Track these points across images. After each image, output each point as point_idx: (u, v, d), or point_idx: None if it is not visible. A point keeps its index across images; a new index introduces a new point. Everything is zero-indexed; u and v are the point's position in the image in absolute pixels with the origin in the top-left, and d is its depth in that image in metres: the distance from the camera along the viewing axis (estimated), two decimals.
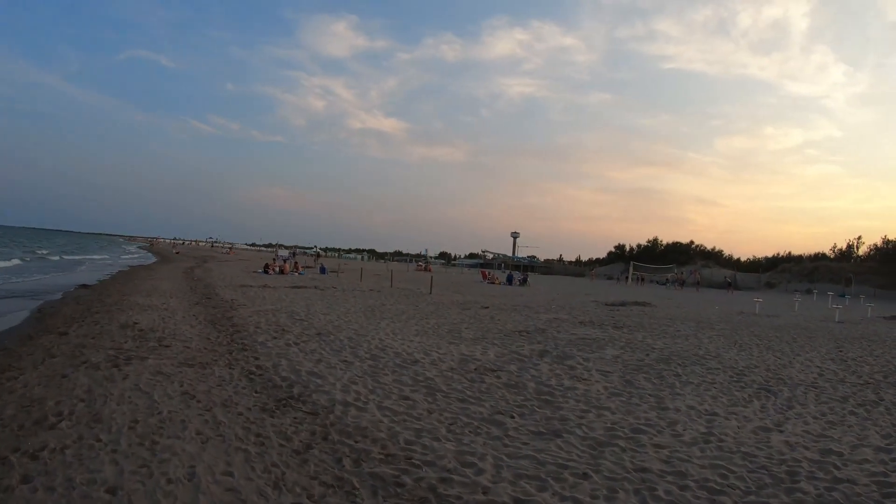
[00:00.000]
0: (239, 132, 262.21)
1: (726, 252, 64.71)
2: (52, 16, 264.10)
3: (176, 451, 3.71)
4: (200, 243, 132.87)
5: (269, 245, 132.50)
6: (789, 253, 58.86)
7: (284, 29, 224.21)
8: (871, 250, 50.62)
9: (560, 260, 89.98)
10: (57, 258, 36.56)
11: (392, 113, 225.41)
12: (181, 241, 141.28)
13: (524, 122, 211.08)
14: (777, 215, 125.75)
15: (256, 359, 6.89)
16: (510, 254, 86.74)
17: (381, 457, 3.85)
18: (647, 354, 8.78)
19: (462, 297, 19.14)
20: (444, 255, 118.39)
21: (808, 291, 40.58)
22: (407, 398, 5.45)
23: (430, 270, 48.51)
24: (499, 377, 6.62)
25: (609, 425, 4.94)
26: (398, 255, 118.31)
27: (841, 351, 10.45)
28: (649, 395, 6.22)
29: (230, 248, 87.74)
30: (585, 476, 3.76)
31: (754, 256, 63.09)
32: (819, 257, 53.81)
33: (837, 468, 4.20)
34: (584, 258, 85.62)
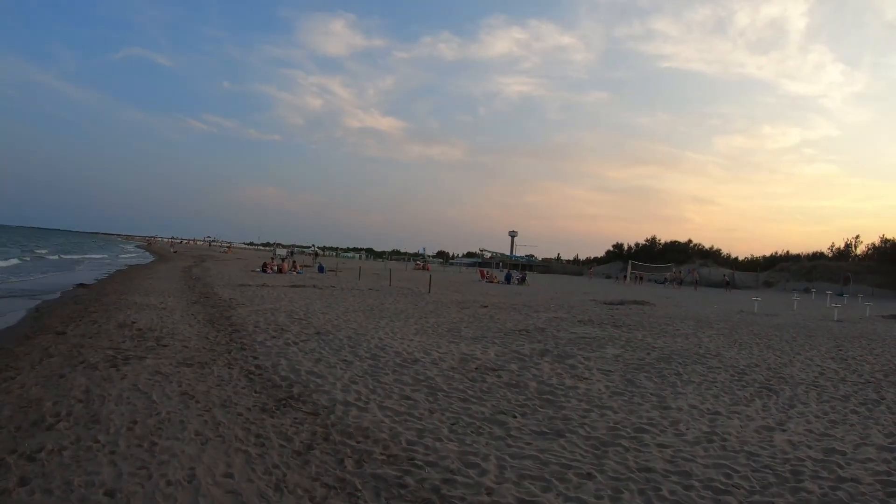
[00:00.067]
0: (236, 131, 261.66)
1: (724, 251, 64.86)
2: (48, 14, 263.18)
3: (175, 452, 3.66)
4: (198, 242, 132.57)
5: (267, 244, 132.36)
6: (787, 252, 58.99)
7: (281, 27, 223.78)
8: (868, 249, 50.78)
9: (558, 259, 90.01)
10: (56, 257, 36.36)
11: (389, 112, 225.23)
12: (179, 240, 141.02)
13: (522, 120, 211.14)
14: (774, 214, 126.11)
15: (255, 358, 6.85)
16: (508, 252, 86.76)
17: (384, 457, 3.81)
18: (648, 353, 8.76)
19: (461, 296, 19.11)
20: (441, 254, 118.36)
21: (807, 290, 40.66)
22: (408, 398, 5.41)
23: (428, 269, 48.46)
24: (500, 376, 6.58)
25: (612, 425, 4.91)
26: (396, 254, 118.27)
27: (841, 350, 10.45)
28: (651, 394, 6.19)
29: (228, 247, 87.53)
30: (589, 476, 3.73)
31: (752, 255, 63.24)
32: (817, 256, 53.89)
33: (841, 467, 4.19)
34: (582, 257, 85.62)
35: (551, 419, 5.00)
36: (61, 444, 3.71)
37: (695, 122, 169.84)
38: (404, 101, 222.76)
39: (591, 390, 6.18)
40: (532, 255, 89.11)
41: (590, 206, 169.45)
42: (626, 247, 69.62)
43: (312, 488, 3.30)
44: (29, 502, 2.96)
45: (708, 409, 5.66)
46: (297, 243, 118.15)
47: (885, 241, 48.59)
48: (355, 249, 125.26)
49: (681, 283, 47.38)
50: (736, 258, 63.10)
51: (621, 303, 19.98)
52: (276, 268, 27.82)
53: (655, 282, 50.66)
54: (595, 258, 76.62)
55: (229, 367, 6.33)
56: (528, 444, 4.29)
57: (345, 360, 6.98)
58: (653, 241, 67.50)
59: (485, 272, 40.44)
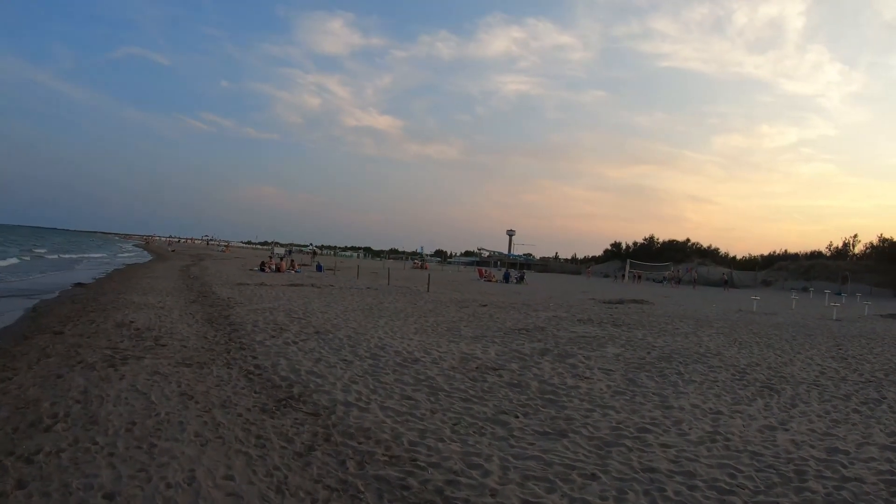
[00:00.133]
0: (233, 130, 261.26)
1: (722, 250, 64.95)
2: (45, 13, 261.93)
3: (175, 454, 3.61)
4: (196, 241, 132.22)
5: (265, 243, 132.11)
6: (785, 251, 59.08)
7: (279, 26, 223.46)
8: (866, 249, 50.90)
9: (556, 258, 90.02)
10: (55, 257, 36.20)
11: (387, 111, 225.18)
12: (177, 239, 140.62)
13: (519, 119, 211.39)
14: (772, 213, 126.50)
15: (255, 358, 6.80)
16: (506, 251, 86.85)
17: (386, 459, 3.77)
18: (648, 353, 8.74)
19: (460, 295, 19.08)
20: (439, 253, 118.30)
21: (805, 289, 40.71)
22: (409, 398, 5.37)
23: (426, 268, 48.42)
24: (501, 376, 6.55)
25: (614, 425, 4.88)
26: (394, 253, 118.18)
27: (841, 349, 10.45)
28: (653, 393, 6.17)
29: (226, 246, 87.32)
30: (594, 477, 3.70)
31: (750, 254, 63.36)
32: (815, 255, 54.00)
33: (845, 467, 4.17)
34: (580, 256, 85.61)
35: (554, 419, 4.96)
36: (59, 445, 3.66)
37: (693, 122, 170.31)
38: (402, 100, 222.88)
39: (593, 390, 6.15)
40: (530, 254, 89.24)
41: (588, 205, 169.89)
42: (624, 246, 69.69)
43: (314, 490, 3.26)
44: None
45: (710, 409, 5.64)
46: (295, 242, 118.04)
47: (883, 240, 48.78)
48: (353, 248, 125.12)
49: (679, 281, 47.45)
50: (734, 257, 63.26)
51: (620, 301, 19.97)
52: (274, 267, 27.73)
53: (654, 281, 50.70)
54: (593, 257, 76.67)
55: (228, 367, 6.28)
56: (531, 444, 4.25)
57: (345, 360, 6.94)
58: (651, 240, 67.56)
59: (483, 271, 40.42)
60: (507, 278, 33.27)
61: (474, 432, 4.45)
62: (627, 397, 5.93)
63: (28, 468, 3.31)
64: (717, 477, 3.84)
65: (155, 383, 5.34)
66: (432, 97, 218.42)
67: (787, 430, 5.08)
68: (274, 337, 8.30)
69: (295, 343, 7.91)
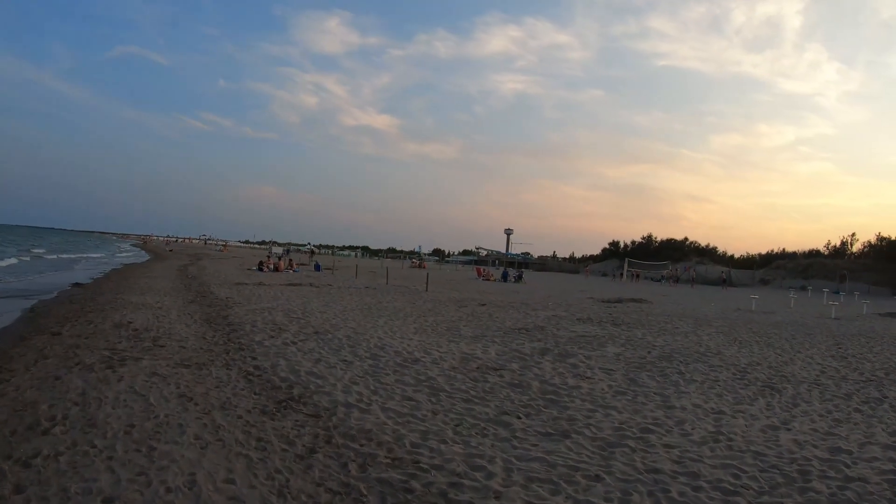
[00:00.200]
0: (231, 129, 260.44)
1: (720, 249, 65.07)
2: (43, 13, 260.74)
3: (174, 457, 3.56)
4: (194, 241, 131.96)
5: (263, 242, 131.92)
6: (783, 249, 59.17)
7: (276, 25, 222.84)
8: (864, 247, 51.01)
9: (554, 256, 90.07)
10: (54, 257, 36.09)
11: (385, 110, 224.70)
12: (174, 239, 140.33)
13: (517, 119, 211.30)
14: (770, 212, 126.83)
15: (254, 359, 6.75)
16: (504, 250, 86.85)
17: (388, 461, 3.73)
18: (649, 352, 8.72)
19: (458, 294, 19.05)
20: (437, 252, 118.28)
21: (803, 288, 40.81)
22: (410, 399, 5.34)
23: (424, 267, 48.41)
24: (502, 376, 6.52)
25: (617, 425, 4.85)
26: (392, 252, 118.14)
27: (840, 348, 10.46)
28: (654, 393, 6.15)
29: (224, 246, 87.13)
30: (598, 478, 3.67)
31: (748, 253, 63.42)
32: (813, 254, 54.10)
33: (848, 466, 4.16)
34: (578, 255, 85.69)
35: (556, 420, 4.94)
36: (57, 449, 3.61)
37: (691, 121, 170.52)
38: (400, 99, 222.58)
39: (595, 390, 6.13)
40: (528, 253, 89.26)
41: (586, 204, 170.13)
42: (622, 245, 69.84)
43: (317, 494, 3.22)
44: None
45: (712, 409, 5.62)
46: (293, 241, 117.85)
47: (881, 239, 48.91)
48: (351, 247, 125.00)
49: (677, 280, 47.53)
50: (732, 256, 63.34)
51: (619, 301, 19.97)
52: (272, 266, 27.67)
53: (652, 280, 50.76)
54: (591, 256, 76.75)
55: (228, 368, 6.23)
56: (534, 445, 4.22)
57: (345, 361, 6.90)
58: (649, 239, 67.67)
59: (481, 270, 40.41)
60: (505, 277, 33.27)
61: (477, 433, 4.42)
62: (629, 397, 5.90)
63: (26, 472, 3.27)
64: (721, 477, 3.82)
65: (154, 385, 5.28)
66: (430, 96, 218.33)
67: (789, 429, 5.07)
68: (273, 337, 8.26)
69: (294, 343, 7.86)
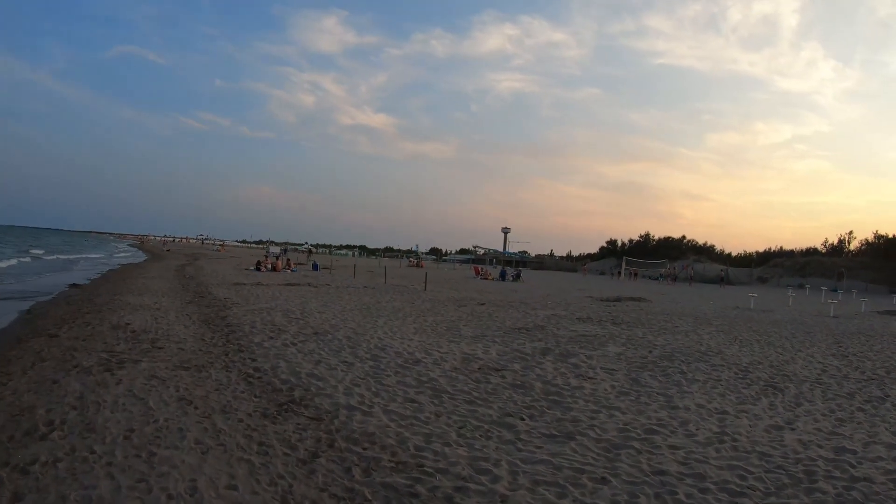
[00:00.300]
0: (228, 128, 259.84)
1: (718, 247, 65.20)
2: (39, 13, 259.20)
3: (175, 462, 3.50)
4: (191, 241, 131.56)
5: (260, 242, 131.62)
6: (781, 248, 59.35)
7: (273, 24, 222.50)
8: (862, 245, 51.16)
9: (551, 255, 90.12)
10: (53, 258, 35.96)
11: (382, 109, 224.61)
12: (171, 239, 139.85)
13: (514, 117, 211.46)
14: (767, 210, 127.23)
15: (254, 360, 6.69)
16: (501, 249, 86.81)
17: (392, 465, 3.68)
18: (650, 351, 8.70)
19: (457, 294, 19.00)
20: (435, 251, 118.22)
21: (801, 286, 40.90)
22: (413, 401, 5.29)
23: (422, 266, 48.34)
24: (504, 377, 6.48)
25: (621, 426, 4.82)
26: (389, 252, 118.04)
27: (841, 346, 10.45)
28: (657, 393, 6.12)
29: (221, 246, 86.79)
30: (604, 481, 3.63)
31: (745, 251, 63.60)
32: (810, 252, 54.27)
33: (853, 466, 4.15)
34: (575, 253, 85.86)
35: (560, 421, 4.90)
36: (56, 455, 3.54)
37: (687, 119, 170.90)
38: (397, 98, 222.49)
39: (598, 390, 6.09)
40: (525, 252, 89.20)
41: (583, 202, 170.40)
42: (620, 243, 69.91)
43: (320, 499, 3.17)
44: None
45: (716, 409, 5.59)
46: (290, 241, 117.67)
47: (878, 236, 49.06)
48: (348, 247, 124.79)
49: (675, 279, 47.57)
50: (729, 254, 63.52)
51: (618, 299, 19.96)
52: (270, 266, 27.56)
53: (650, 278, 50.79)
54: (589, 254, 76.84)
55: (227, 370, 6.17)
56: (539, 447, 4.18)
57: (345, 362, 6.85)
58: (646, 238, 67.77)
59: (479, 269, 40.36)
60: (503, 276, 33.21)
61: (481, 436, 4.38)
62: (632, 398, 5.87)
63: (24, 479, 3.20)
64: (728, 479, 3.79)
65: (153, 388, 5.22)
66: (427, 95, 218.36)
67: (793, 429, 5.05)
68: (272, 338, 8.19)
69: (294, 344, 7.80)
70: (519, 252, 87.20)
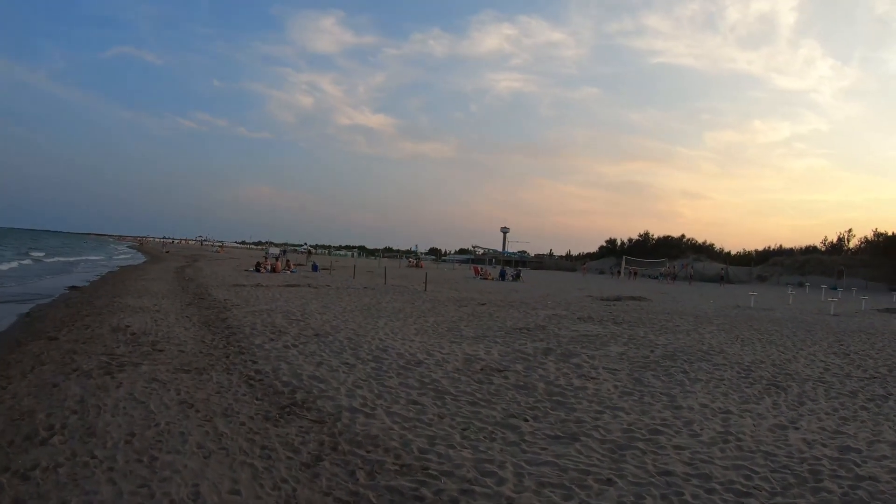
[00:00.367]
0: (226, 129, 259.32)
1: (717, 245, 65.19)
2: (36, 14, 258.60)
3: (177, 467, 3.47)
4: (190, 242, 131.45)
5: (259, 243, 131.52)
6: (780, 246, 59.31)
7: (271, 24, 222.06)
8: (861, 243, 51.10)
9: (550, 254, 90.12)
10: (53, 260, 35.93)
11: (380, 109, 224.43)
12: (170, 240, 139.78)
13: (513, 117, 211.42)
14: (765, 208, 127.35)
15: (255, 362, 6.66)
16: (500, 249, 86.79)
17: (396, 468, 3.65)
18: (652, 351, 8.67)
19: (457, 294, 18.98)
20: (434, 251, 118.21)
21: (801, 284, 40.89)
22: (415, 402, 5.26)
23: (421, 266, 48.30)
24: (506, 378, 6.45)
25: (626, 426, 4.80)
26: (388, 252, 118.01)
27: (842, 344, 10.44)
28: (660, 393, 6.10)
29: (220, 247, 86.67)
30: (610, 482, 3.61)
31: (744, 250, 63.55)
32: (810, 250, 54.26)
33: (858, 465, 4.14)
34: (574, 252, 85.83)
35: (564, 422, 4.87)
36: (56, 460, 3.51)
37: (686, 118, 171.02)
38: (395, 99, 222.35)
39: (601, 390, 6.07)
40: (524, 252, 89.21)
41: (582, 201, 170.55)
42: (619, 242, 69.88)
43: None
44: None
45: (719, 408, 5.57)
46: (289, 241, 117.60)
47: (877, 234, 48.98)
48: (347, 247, 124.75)
49: (675, 278, 47.57)
50: (728, 252, 63.47)
51: (618, 298, 19.96)
52: (269, 267, 27.52)
53: (650, 277, 50.79)
54: (588, 254, 76.84)
55: (228, 373, 6.13)
56: (544, 449, 4.16)
57: (347, 364, 6.82)
58: (646, 237, 67.77)
59: (479, 269, 40.33)
60: (503, 276, 33.19)
61: (485, 437, 4.35)
62: (636, 398, 5.85)
63: (24, 485, 3.17)
64: (734, 479, 3.77)
65: (153, 391, 5.18)
66: (425, 95, 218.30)
67: (797, 428, 5.03)
68: (273, 340, 8.16)
69: (295, 346, 7.77)
70: (518, 252, 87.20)
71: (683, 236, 66.15)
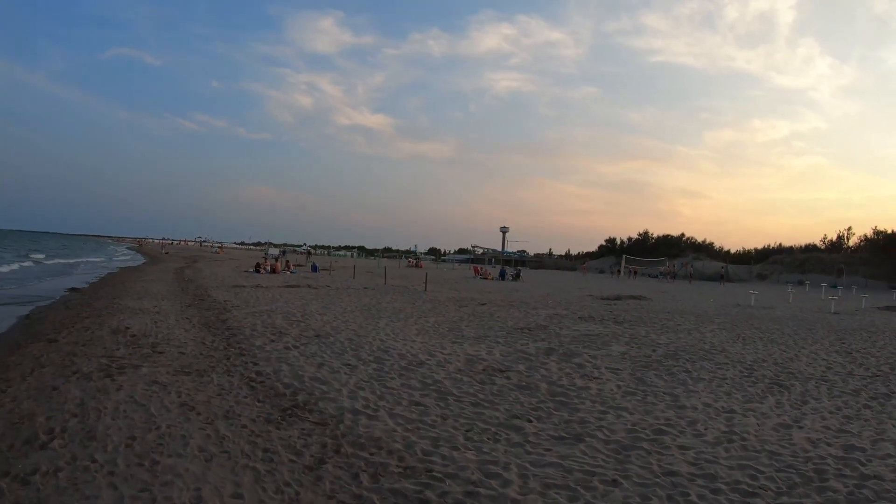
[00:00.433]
0: (225, 129, 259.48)
1: (716, 244, 65.14)
2: (34, 14, 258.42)
3: (179, 471, 3.43)
4: (189, 243, 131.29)
5: (258, 244, 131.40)
6: (780, 244, 59.22)
7: (270, 25, 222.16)
8: (861, 241, 51.02)
9: (550, 254, 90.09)
10: (54, 262, 35.90)
11: (379, 109, 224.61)
12: (170, 241, 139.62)
13: (512, 116, 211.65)
14: (764, 207, 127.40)
15: (256, 364, 6.62)
16: (500, 248, 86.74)
17: (400, 470, 3.62)
18: (654, 350, 8.65)
19: (458, 294, 18.95)
20: (433, 251, 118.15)
21: (800, 283, 40.85)
22: (418, 403, 5.22)
23: (421, 266, 48.27)
24: (509, 378, 6.42)
25: (630, 427, 4.77)
26: (388, 252, 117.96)
27: (843, 343, 10.42)
28: (664, 392, 6.07)
29: (220, 248, 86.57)
30: (615, 483, 3.58)
31: (744, 248, 63.49)
32: (810, 249, 54.17)
33: (863, 464, 4.12)
34: (574, 252, 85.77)
35: (567, 422, 4.85)
36: (57, 464, 3.47)
37: (685, 117, 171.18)
38: (394, 99, 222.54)
39: (604, 390, 6.04)
40: (524, 251, 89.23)
41: (581, 201, 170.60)
42: (618, 241, 69.78)
43: None
44: None
45: (723, 408, 5.55)
46: (289, 242, 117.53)
47: (877, 232, 48.85)
48: (347, 248, 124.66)
49: (675, 276, 47.55)
50: (728, 251, 63.40)
51: (618, 298, 19.94)
52: (269, 268, 27.47)
53: (649, 276, 50.77)
54: (587, 253, 76.77)
55: (229, 375, 6.10)
56: (548, 450, 4.13)
57: (348, 365, 6.78)
58: (645, 236, 67.69)
59: (479, 269, 40.29)
60: (503, 275, 33.15)
61: (488, 439, 4.32)
62: (639, 397, 5.82)
63: (24, 490, 3.13)
64: (739, 479, 3.75)
65: (154, 393, 5.15)
66: (424, 95, 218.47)
67: (801, 427, 5.01)
68: (274, 341, 8.13)
69: (296, 347, 7.74)
70: (518, 251, 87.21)
71: (683, 235, 66.14)
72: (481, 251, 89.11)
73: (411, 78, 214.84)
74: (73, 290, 16.98)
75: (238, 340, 8.16)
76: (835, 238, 53.72)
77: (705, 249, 62.85)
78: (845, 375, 7.42)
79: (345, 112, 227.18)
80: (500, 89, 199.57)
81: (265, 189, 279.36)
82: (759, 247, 61.25)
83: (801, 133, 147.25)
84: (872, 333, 11.94)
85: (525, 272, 41.79)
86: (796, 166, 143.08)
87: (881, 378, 7.33)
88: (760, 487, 3.64)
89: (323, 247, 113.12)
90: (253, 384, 5.73)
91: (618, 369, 7.17)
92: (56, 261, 36.96)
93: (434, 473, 3.58)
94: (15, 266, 28.04)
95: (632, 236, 69.03)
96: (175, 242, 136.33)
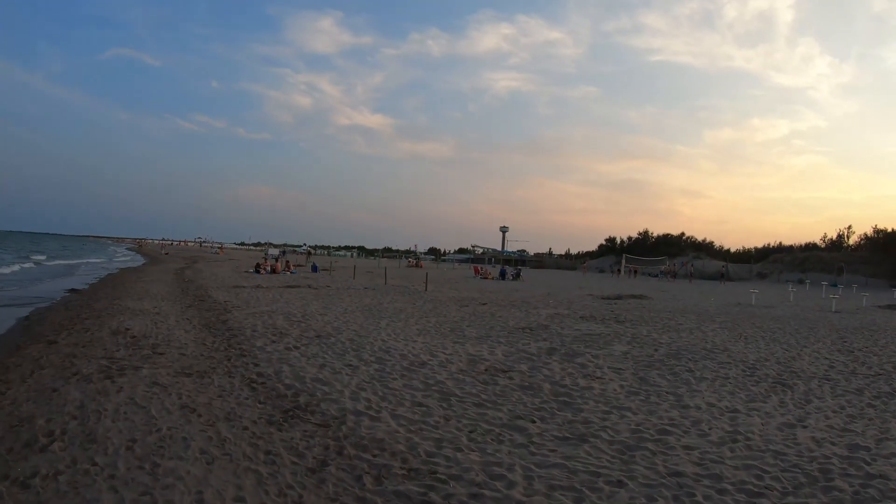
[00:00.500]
0: (224, 130, 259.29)
1: (716, 243, 65.09)
2: (34, 15, 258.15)
3: (180, 474, 3.40)
4: (189, 243, 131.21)
5: (258, 244, 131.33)
6: (780, 243, 59.18)
7: (269, 25, 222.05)
8: (861, 240, 51.00)
9: (550, 253, 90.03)
10: (55, 263, 35.88)
11: (378, 109, 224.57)
12: (170, 242, 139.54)
13: (511, 116, 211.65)
14: (764, 206, 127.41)
15: (256, 365, 6.59)
16: (499, 248, 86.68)
17: (404, 472, 3.59)
18: (656, 350, 8.62)
19: (458, 294, 18.92)
20: (433, 251, 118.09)
21: (801, 281, 40.84)
22: (420, 404, 5.19)
23: (421, 266, 48.23)
24: (511, 378, 6.39)
25: (634, 427, 4.74)
26: (388, 252, 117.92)
27: (845, 342, 10.40)
28: (667, 392, 6.05)
29: (220, 248, 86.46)
30: (620, 484, 3.55)
31: (744, 247, 63.44)
32: (810, 247, 54.12)
33: (868, 463, 4.10)
34: (574, 251, 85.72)
35: (571, 423, 4.82)
36: (57, 467, 3.44)
37: (684, 116, 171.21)
38: (393, 98, 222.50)
39: (607, 390, 6.01)
40: (524, 251, 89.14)
41: (581, 200, 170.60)
42: (618, 240, 69.71)
43: None
44: None
45: (726, 407, 5.52)
46: (288, 242, 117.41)
47: (877, 231, 48.82)
48: (347, 248, 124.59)
49: (675, 275, 47.52)
50: (728, 250, 63.36)
51: (619, 297, 19.92)
52: (269, 268, 27.43)
53: (650, 275, 50.74)
54: (588, 252, 76.70)
55: (230, 376, 6.06)
56: (553, 451, 4.10)
57: (350, 365, 6.75)
58: (645, 235, 67.63)
59: (479, 268, 40.26)
60: (503, 275, 33.12)
61: (492, 440, 4.29)
62: (642, 397, 5.79)
63: (24, 494, 3.10)
64: (745, 479, 3.73)
65: (154, 395, 5.11)
66: (424, 95, 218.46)
67: (805, 427, 4.99)
68: (274, 342, 8.09)
69: (297, 348, 7.70)
70: (518, 251, 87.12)
71: (683, 234, 66.07)
72: (481, 251, 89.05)
73: (410, 78, 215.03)
74: (72, 291, 16.94)
75: (239, 341, 8.12)
76: (835, 237, 53.75)
77: (705, 248, 62.80)
78: (848, 374, 7.40)
79: (344, 112, 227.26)
80: (499, 89, 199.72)
81: (265, 189, 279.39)
82: (760, 246, 61.27)
83: (800, 132, 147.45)
84: (874, 332, 11.92)
85: (525, 272, 41.77)
86: (796, 165, 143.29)
87: (884, 377, 7.31)
88: (766, 487, 3.62)
89: (323, 247, 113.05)
90: (254, 385, 5.69)
91: (620, 369, 7.14)
92: (57, 262, 36.95)
93: (438, 475, 3.55)
94: (16, 267, 28.01)
95: (632, 235, 69.02)
96: (175, 243, 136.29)
